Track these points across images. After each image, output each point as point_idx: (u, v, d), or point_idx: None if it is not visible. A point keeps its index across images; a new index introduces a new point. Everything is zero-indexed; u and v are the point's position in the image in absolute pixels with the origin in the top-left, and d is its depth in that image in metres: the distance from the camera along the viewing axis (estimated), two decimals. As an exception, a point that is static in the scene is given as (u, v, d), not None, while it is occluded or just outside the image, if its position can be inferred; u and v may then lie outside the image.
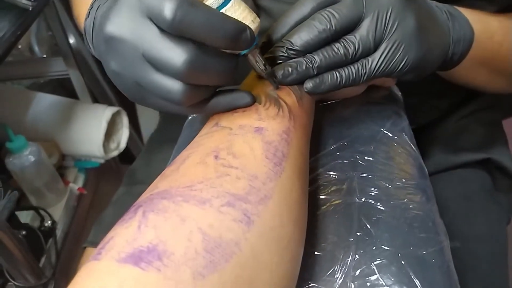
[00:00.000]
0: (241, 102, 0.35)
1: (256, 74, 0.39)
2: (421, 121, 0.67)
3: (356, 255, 0.33)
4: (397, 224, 0.36)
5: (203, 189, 0.28)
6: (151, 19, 0.28)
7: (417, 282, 0.32)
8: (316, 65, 0.37)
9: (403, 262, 0.33)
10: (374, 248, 0.34)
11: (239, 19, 0.31)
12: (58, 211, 0.97)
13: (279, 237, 0.28)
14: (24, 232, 0.83)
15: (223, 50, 0.31)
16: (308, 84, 0.37)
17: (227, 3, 0.32)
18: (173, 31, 0.28)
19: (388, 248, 0.34)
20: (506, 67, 0.48)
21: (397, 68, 0.38)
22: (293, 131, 0.35)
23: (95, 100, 1.18)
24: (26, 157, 0.90)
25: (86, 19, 0.38)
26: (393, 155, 0.43)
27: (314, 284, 0.32)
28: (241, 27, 0.30)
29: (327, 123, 0.46)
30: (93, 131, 1.01)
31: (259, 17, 0.34)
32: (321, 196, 0.38)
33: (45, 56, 1.21)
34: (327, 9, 0.36)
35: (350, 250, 0.34)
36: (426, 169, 0.45)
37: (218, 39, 0.29)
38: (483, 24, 0.44)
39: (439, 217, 0.40)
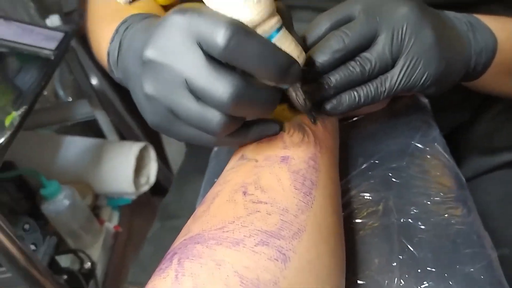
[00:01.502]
0: (270, 131, 0.35)
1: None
2: (451, 125, 0.65)
3: (401, 280, 0.32)
4: (440, 242, 0.34)
5: (234, 230, 0.27)
6: (200, 45, 0.27)
7: None
8: (332, 85, 0.36)
9: (450, 283, 0.31)
10: (419, 271, 0.32)
11: (286, 50, 0.30)
12: (96, 252, 0.98)
13: (317, 270, 0.27)
14: (65, 277, 0.84)
15: (269, 83, 0.30)
16: (327, 106, 0.37)
17: (276, 34, 0.29)
18: (224, 59, 0.27)
19: (434, 270, 0.32)
20: None
21: (418, 84, 0.37)
22: (319, 157, 0.34)
23: (122, 137, 1.20)
24: (60, 202, 0.92)
25: (110, 43, 0.39)
26: (428, 168, 0.41)
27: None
28: (291, 61, 0.29)
29: (354, 141, 0.45)
30: (123, 168, 1.03)
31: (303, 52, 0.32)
32: (357, 220, 0.37)
33: (70, 99, 1.25)
34: (341, 28, 0.35)
35: (394, 276, 0.32)
36: (463, 179, 0.43)
37: (269, 71, 0.28)
38: (506, 32, 0.42)
39: (483, 229, 0.38)
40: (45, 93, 1.37)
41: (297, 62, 0.30)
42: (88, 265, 0.92)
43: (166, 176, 1.25)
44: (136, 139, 1.16)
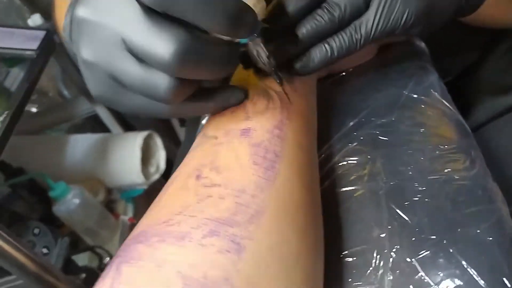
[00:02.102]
0: (233, 99, 0.30)
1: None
2: (458, 68, 0.59)
3: (392, 253, 0.27)
4: (437, 203, 0.29)
5: (181, 222, 0.23)
6: None
7: (473, 272, 0.26)
8: (298, 40, 0.31)
9: (451, 250, 0.27)
10: (413, 239, 0.28)
11: None
12: (114, 246, 0.97)
13: (282, 256, 0.23)
14: (83, 275, 0.83)
15: (220, 37, 0.25)
16: (296, 65, 0.32)
17: None
18: (160, 7, 0.22)
19: (430, 237, 0.28)
20: None
21: (399, 24, 0.32)
22: (287, 124, 0.30)
23: (129, 128, 1.18)
24: (70, 201, 0.91)
25: (65, 19, 0.35)
26: (423, 120, 0.36)
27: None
28: (243, 7, 0.24)
29: (339, 99, 0.40)
30: (129, 160, 1.01)
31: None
32: (341, 190, 0.32)
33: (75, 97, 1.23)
34: None
35: (384, 248, 0.28)
36: (467, 126, 0.38)
37: (215, 21, 0.23)
38: None
39: (492, 181, 0.33)
40: (50, 94, 1.37)
41: (252, 10, 0.25)
42: (107, 260, 0.92)
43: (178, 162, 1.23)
44: (145, 126, 1.14)
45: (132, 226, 1.03)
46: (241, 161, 0.26)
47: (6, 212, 0.91)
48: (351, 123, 0.36)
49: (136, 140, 1.02)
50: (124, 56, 0.24)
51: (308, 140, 0.31)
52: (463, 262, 0.26)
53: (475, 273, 0.26)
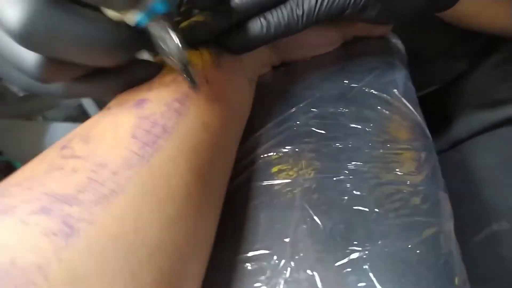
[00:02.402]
0: (142, 76, 0.26)
1: None
2: (447, 76, 0.54)
3: (291, 263, 0.22)
4: (361, 209, 0.24)
5: (14, 194, 0.19)
6: None
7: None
8: (229, 12, 0.27)
9: (365, 267, 0.21)
10: (321, 248, 0.23)
11: None
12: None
13: (129, 249, 0.18)
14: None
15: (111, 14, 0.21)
16: (226, 40, 0.28)
17: None
18: None
19: (344, 248, 0.22)
20: None
21: (348, 3, 0.27)
22: (194, 99, 0.25)
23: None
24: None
25: None
26: (370, 116, 0.31)
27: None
28: None
29: (284, 89, 0.35)
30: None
31: None
32: (257, 184, 0.27)
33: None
34: None
35: (283, 256, 0.23)
36: (426, 129, 0.33)
37: None
38: None
39: (443, 191, 0.28)
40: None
41: None
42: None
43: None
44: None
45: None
46: (118, 132, 0.22)
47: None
48: (287, 112, 0.31)
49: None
50: None
51: (221, 123, 0.26)
52: (377, 285, 0.21)
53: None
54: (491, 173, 0.46)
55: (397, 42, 0.44)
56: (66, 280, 0.16)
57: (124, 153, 0.21)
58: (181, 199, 0.21)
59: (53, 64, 0.21)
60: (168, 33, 0.22)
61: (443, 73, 0.55)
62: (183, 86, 0.25)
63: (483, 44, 0.52)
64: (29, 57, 0.20)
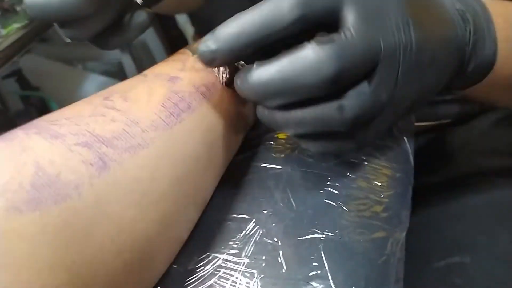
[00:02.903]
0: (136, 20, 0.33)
1: None
2: (455, 114, 0.58)
3: (263, 229, 0.28)
4: (330, 203, 0.30)
5: (64, 125, 0.24)
6: None
7: (330, 275, 0.25)
8: None
9: (319, 246, 0.27)
10: (290, 224, 0.28)
11: None
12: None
13: (145, 191, 0.24)
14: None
15: None
16: None
17: None
18: None
19: (306, 228, 0.28)
20: None
21: None
22: (219, 89, 0.30)
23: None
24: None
25: None
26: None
27: (213, 254, 0.27)
28: None
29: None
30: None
31: None
32: (256, 164, 0.33)
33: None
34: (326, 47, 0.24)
35: (259, 222, 0.28)
36: (411, 157, 0.37)
37: None
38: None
39: (406, 211, 0.33)
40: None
41: None
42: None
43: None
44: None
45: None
46: (152, 99, 0.27)
47: (14, 124, 0.96)
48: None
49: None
50: None
51: (235, 110, 0.32)
52: (325, 263, 0.26)
53: (331, 278, 0.26)
54: (471, 213, 0.50)
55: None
56: (92, 201, 0.22)
57: (154, 117, 0.26)
58: (191, 162, 0.27)
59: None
60: None
61: (453, 110, 0.59)
62: (212, 76, 0.31)
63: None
64: None
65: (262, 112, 0.28)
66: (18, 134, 0.24)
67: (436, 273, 0.46)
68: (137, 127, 0.25)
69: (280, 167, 0.32)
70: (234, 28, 0.25)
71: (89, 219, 0.22)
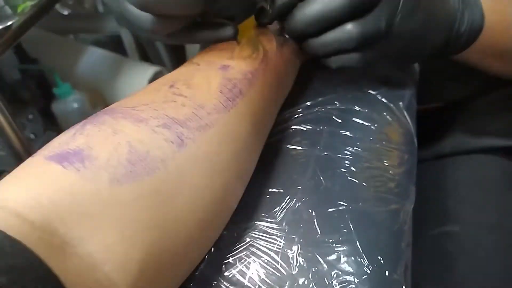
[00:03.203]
0: (221, 34, 0.36)
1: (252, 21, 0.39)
2: (448, 98, 0.64)
3: (299, 202, 0.33)
4: (353, 180, 0.35)
5: (144, 110, 0.29)
6: None
7: (355, 236, 0.31)
8: None
9: (346, 216, 0.32)
10: (321, 197, 0.33)
11: None
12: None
13: (212, 163, 0.29)
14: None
15: None
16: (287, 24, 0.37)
17: None
18: None
19: (335, 201, 0.33)
20: None
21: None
22: (261, 74, 0.35)
23: (146, 59, 1.23)
24: (70, 103, 0.97)
25: None
26: (377, 118, 0.41)
27: (257, 222, 0.32)
28: None
29: (313, 78, 0.45)
30: (135, 87, 1.06)
31: None
32: (286, 146, 0.38)
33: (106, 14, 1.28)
34: None
35: (295, 196, 0.33)
36: (415, 138, 0.43)
37: None
38: (499, 15, 0.41)
39: (412, 184, 0.38)
40: (86, 5, 1.42)
41: None
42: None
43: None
44: (161, 63, 1.19)
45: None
46: (211, 85, 0.32)
47: (12, 95, 0.97)
48: (317, 99, 0.41)
49: (147, 71, 1.07)
50: None
51: (275, 95, 0.37)
52: (352, 229, 0.32)
53: (356, 238, 0.31)
54: (461, 187, 0.57)
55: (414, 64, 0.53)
56: (175, 172, 0.27)
57: (215, 102, 0.31)
58: (244, 139, 0.32)
59: (160, 21, 0.31)
60: None
61: (450, 92, 0.64)
62: (256, 63, 0.35)
63: (485, 80, 0.62)
64: (143, 18, 0.31)
65: (305, 44, 0.38)
66: (106, 119, 0.28)
67: (431, 240, 0.53)
68: (203, 110, 0.30)
69: (307, 148, 0.37)
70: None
71: (173, 187, 0.26)
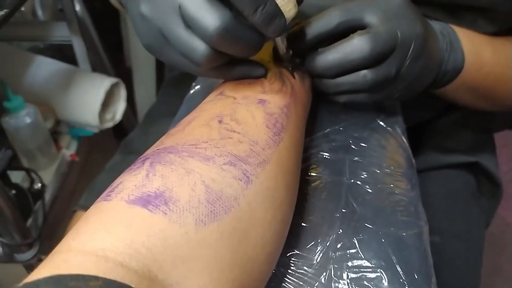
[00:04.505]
0: (255, 73, 0.37)
1: (269, 52, 0.40)
2: (416, 120, 0.70)
3: (340, 230, 0.35)
4: (381, 206, 0.38)
5: (207, 148, 0.29)
6: None
7: (394, 259, 0.34)
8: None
9: (383, 240, 0.35)
10: (357, 225, 0.36)
11: (279, 3, 0.31)
12: (48, 175, 0.97)
13: (273, 198, 0.30)
14: (14, 192, 0.83)
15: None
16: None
17: None
18: None
19: (371, 226, 0.36)
20: (489, 95, 0.51)
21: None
22: (293, 107, 0.37)
23: (93, 69, 1.18)
24: (22, 118, 0.90)
25: None
26: (385, 144, 0.44)
27: (298, 252, 0.34)
28: (276, 11, 0.31)
29: (324, 108, 0.48)
30: (91, 100, 1.02)
31: (297, 7, 0.33)
32: (312, 174, 0.40)
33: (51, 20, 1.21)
34: (364, 37, 0.36)
35: (335, 225, 0.36)
36: (414, 161, 0.47)
37: (256, 13, 0.30)
38: (475, 57, 0.46)
39: (421, 206, 0.42)
40: (23, 9, 1.33)
41: (284, 17, 0.31)
42: (38, 186, 0.92)
43: (131, 120, 1.25)
44: (106, 74, 1.15)
45: (72, 162, 1.04)
46: (257, 121, 0.33)
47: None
48: (330, 129, 0.44)
49: (104, 82, 1.03)
50: (177, 19, 0.31)
51: (303, 125, 0.38)
52: (389, 251, 0.34)
53: (395, 261, 0.34)
54: (434, 200, 0.62)
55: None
56: (247, 208, 0.28)
57: (265, 137, 0.32)
58: (292, 171, 0.33)
59: (214, 55, 0.32)
60: (284, 41, 0.37)
61: (415, 117, 0.70)
62: (287, 97, 0.37)
63: (450, 104, 0.68)
64: (200, 49, 0.31)
65: (319, 82, 0.41)
66: (173, 158, 0.28)
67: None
68: (258, 146, 0.31)
69: (336, 177, 0.39)
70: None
71: (247, 223, 0.27)
